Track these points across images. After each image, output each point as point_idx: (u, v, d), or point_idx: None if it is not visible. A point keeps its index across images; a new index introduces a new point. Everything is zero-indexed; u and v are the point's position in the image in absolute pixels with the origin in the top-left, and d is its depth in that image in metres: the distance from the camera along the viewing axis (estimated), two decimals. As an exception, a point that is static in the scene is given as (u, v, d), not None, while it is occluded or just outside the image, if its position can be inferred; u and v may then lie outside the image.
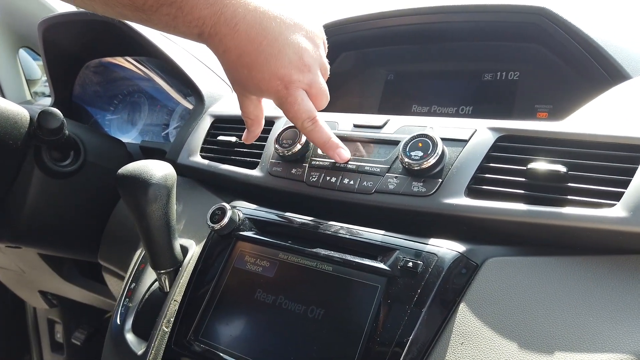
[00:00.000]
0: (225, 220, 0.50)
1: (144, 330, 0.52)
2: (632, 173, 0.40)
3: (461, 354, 0.38)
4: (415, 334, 0.38)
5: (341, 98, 0.76)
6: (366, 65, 0.75)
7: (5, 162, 0.63)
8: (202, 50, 0.79)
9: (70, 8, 0.92)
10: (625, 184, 0.40)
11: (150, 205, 0.49)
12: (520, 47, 0.63)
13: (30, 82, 1.18)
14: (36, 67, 1.19)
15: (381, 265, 0.42)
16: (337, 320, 0.42)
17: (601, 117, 0.46)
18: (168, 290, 0.53)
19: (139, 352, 0.50)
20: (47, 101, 1.03)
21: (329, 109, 0.62)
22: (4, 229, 0.66)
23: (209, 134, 0.67)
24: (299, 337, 0.43)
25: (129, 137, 0.85)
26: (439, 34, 0.68)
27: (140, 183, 0.49)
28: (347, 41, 0.72)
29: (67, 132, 0.63)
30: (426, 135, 0.47)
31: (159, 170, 0.50)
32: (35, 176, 0.64)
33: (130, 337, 0.52)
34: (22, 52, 1.15)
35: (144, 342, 0.51)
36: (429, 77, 0.72)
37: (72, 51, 0.86)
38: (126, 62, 0.84)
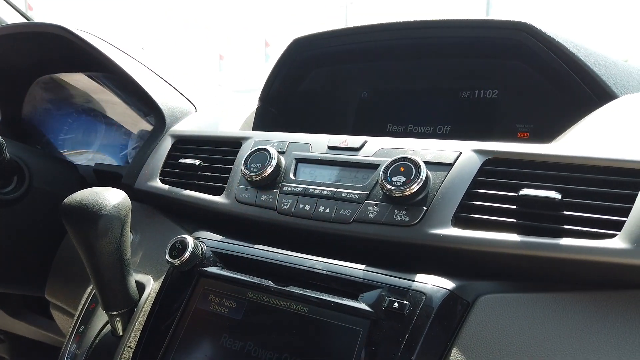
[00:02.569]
0: (187, 254, 0.45)
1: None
2: (632, 200, 0.37)
3: (456, 408, 0.33)
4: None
5: (313, 117, 0.72)
6: (338, 82, 0.71)
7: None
8: (163, 66, 0.74)
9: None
10: (625, 212, 0.37)
11: (100, 240, 0.43)
12: (500, 64, 0.61)
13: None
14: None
15: (363, 306, 0.38)
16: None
17: (594, 139, 0.44)
18: (121, 334, 0.47)
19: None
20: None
21: (299, 129, 0.58)
22: None
23: (169, 156, 0.61)
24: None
25: (83, 160, 0.78)
26: (415, 51, 0.64)
27: (88, 215, 0.43)
28: (318, 57, 0.68)
29: (7, 155, 0.56)
30: (408, 159, 0.43)
31: (110, 199, 0.44)
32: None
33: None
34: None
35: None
36: (405, 95, 0.68)
37: (20, 66, 0.78)
38: (81, 78, 0.78)
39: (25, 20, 0.98)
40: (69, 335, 0.51)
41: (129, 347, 0.45)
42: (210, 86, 0.83)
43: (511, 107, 0.62)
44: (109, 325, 0.49)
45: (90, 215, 0.43)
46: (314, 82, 0.71)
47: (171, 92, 0.70)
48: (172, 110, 0.67)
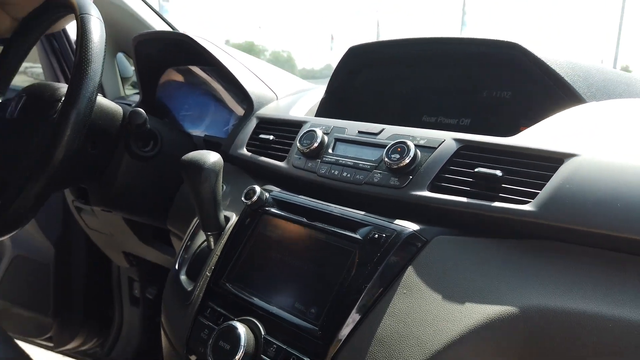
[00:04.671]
0: (255, 198, 0.68)
1: (193, 275, 0.71)
2: (548, 179, 0.53)
3: (403, 300, 0.53)
4: (372, 283, 0.54)
5: (365, 108, 0.92)
6: (385, 81, 0.89)
7: (104, 146, 0.84)
8: (254, 62, 0.98)
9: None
10: (541, 187, 0.53)
11: (202, 185, 0.68)
12: (507, 72, 0.76)
13: (124, 79, 1.43)
14: (129, 67, 1.44)
15: (357, 236, 0.58)
16: (323, 273, 0.58)
17: (540, 132, 0.59)
18: (213, 247, 0.72)
19: (189, 289, 0.69)
20: (136, 98, 1.26)
21: (353, 117, 0.78)
22: (101, 197, 0.88)
23: (254, 132, 0.85)
24: (297, 284, 0.60)
25: (197, 131, 1.05)
26: (442, 58, 0.81)
27: (195, 168, 0.67)
28: (369, 61, 0.87)
29: (149, 126, 0.84)
30: (404, 142, 0.62)
31: (210, 158, 0.68)
32: (125, 158, 0.85)
33: (183, 278, 0.72)
34: (119, 55, 1.39)
35: (192, 283, 0.70)
36: (436, 93, 0.85)
37: (156, 60, 1.07)
38: (197, 70, 1.05)
39: (165, 24, 1.28)
40: (181, 248, 0.78)
41: (216, 255, 0.70)
42: (290, 78, 1.06)
43: (519, 107, 0.77)
44: (205, 242, 0.74)
45: (197, 168, 0.67)
46: (366, 80, 0.90)
47: (259, 83, 0.94)
48: (259, 98, 0.91)
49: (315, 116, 0.87)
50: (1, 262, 1.54)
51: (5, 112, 0.81)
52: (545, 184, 0.52)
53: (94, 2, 1.23)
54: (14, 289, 1.53)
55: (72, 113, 0.67)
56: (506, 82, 0.77)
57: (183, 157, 0.69)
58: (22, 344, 1.53)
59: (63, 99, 0.70)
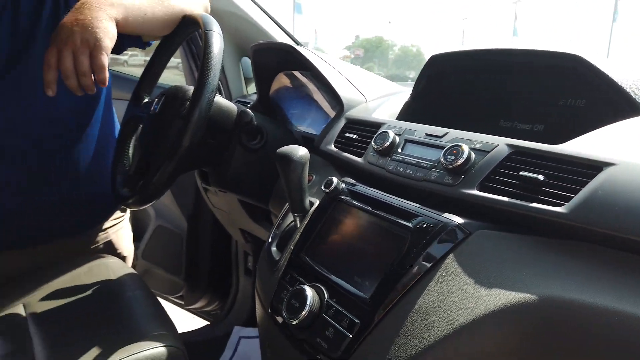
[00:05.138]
0: (332, 187, 0.81)
1: (281, 247, 0.86)
2: (584, 185, 0.57)
3: (440, 281, 0.61)
4: (416, 265, 0.63)
5: (445, 112, 0.99)
6: (465, 87, 0.96)
7: (221, 138, 1.03)
8: (349, 69, 1.10)
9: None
10: (577, 192, 0.58)
11: (291, 174, 0.82)
12: (578, 82, 0.78)
13: (247, 79, 1.64)
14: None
15: (409, 224, 0.68)
16: (378, 254, 0.69)
17: (589, 141, 0.63)
18: (298, 226, 0.86)
19: (277, 259, 0.84)
20: (255, 97, 1.46)
21: (434, 120, 0.86)
22: (218, 179, 1.07)
23: (341, 130, 0.97)
24: (357, 261, 0.71)
25: (299, 127, 1.21)
26: (519, 67, 0.86)
27: (286, 159, 0.81)
28: (450, 69, 0.94)
29: (255, 123, 1.01)
30: (459, 146, 0.70)
31: (298, 152, 0.82)
32: (237, 149, 1.03)
33: (274, 250, 0.87)
34: (244, 59, 1.61)
35: (280, 254, 0.85)
36: (514, 100, 0.90)
37: (270, 66, 1.25)
38: (301, 75, 1.20)
39: (283, 33, 1.46)
40: (274, 225, 0.93)
41: (299, 232, 0.84)
42: (381, 82, 1.17)
43: (591, 115, 0.79)
44: (293, 222, 0.88)
45: (287, 160, 0.81)
46: (447, 86, 0.97)
47: (350, 88, 1.06)
48: (349, 101, 1.03)
49: (397, 118, 0.97)
50: (147, 230, 1.87)
51: (150, 109, 1.04)
52: (581, 189, 0.57)
53: (223, 13, 1.45)
54: (154, 252, 1.85)
55: (196, 111, 0.86)
56: (579, 92, 0.80)
57: (277, 151, 0.83)
58: (159, 299, 1.85)
59: (190, 99, 0.89)
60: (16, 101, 0.96)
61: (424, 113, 0.98)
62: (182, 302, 1.89)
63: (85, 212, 1.15)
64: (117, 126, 1.21)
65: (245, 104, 1.41)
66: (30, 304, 1.03)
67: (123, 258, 1.28)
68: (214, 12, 1.40)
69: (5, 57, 0.93)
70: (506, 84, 0.90)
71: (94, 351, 0.86)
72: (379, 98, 1.07)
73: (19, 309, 1.02)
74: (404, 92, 1.08)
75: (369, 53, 53.25)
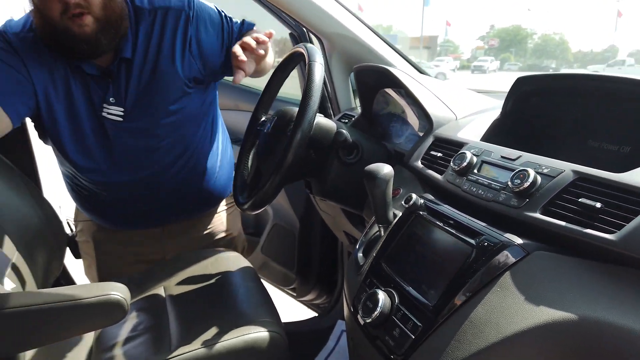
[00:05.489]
0: (411, 202, 0.90)
1: (366, 254, 0.97)
2: (636, 214, 0.60)
3: (495, 295, 0.68)
4: (476, 279, 0.70)
5: (533, 131, 1.01)
6: (554, 108, 0.97)
7: (321, 153, 1.17)
8: (441, 87, 1.17)
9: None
10: (629, 221, 0.60)
11: (375, 189, 0.92)
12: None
13: (355, 92, 1.76)
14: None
15: (473, 241, 0.75)
16: (445, 266, 0.77)
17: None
18: (383, 235, 0.96)
19: (361, 264, 0.95)
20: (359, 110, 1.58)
21: (522, 139, 0.91)
22: (318, 189, 1.21)
23: (429, 148, 1.05)
24: (426, 271, 0.80)
25: (394, 141, 1.30)
26: (608, 92, 0.86)
27: (372, 176, 0.92)
28: (538, 90, 0.97)
29: (350, 140, 1.13)
30: (525, 170, 0.75)
31: (382, 170, 0.92)
32: (335, 163, 1.16)
33: (360, 256, 0.98)
34: (352, 75, 1.73)
35: (364, 259, 0.96)
36: (602, 121, 0.90)
37: (370, 84, 1.36)
38: (396, 93, 1.29)
39: (391, 50, 1.56)
40: (363, 233, 1.04)
41: (381, 241, 0.94)
42: (474, 98, 1.21)
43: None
44: (378, 231, 0.99)
45: (372, 177, 0.92)
46: (535, 106, 1.00)
47: (440, 105, 1.12)
48: (438, 119, 1.10)
49: (484, 136, 1.02)
50: (266, 227, 2.09)
51: (265, 127, 1.21)
52: (634, 219, 0.60)
53: (334, 35, 1.59)
54: (271, 248, 2.06)
55: (298, 131, 1.01)
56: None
57: (365, 168, 0.95)
58: (274, 289, 2.06)
59: (294, 121, 1.04)
60: (179, 130, 1.28)
61: (511, 131, 1.02)
62: (295, 294, 2.09)
63: (205, 198, 1.44)
64: (224, 130, 1.51)
65: (350, 117, 1.53)
66: (168, 287, 1.27)
67: (232, 238, 1.56)
68: (326, 35, 1.55)
69: (174, 99, 1.24)
70: (594, 106, 0.91)
71: (212, 330, 1.05)
72: (469, 115, 1.13)
73: (160, 290, 1.27)
74: (495, 109, 1.12)
75: (505, 43, 50.37)
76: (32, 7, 1.09)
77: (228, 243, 1.53)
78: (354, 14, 1.57)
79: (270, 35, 1.14)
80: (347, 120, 1.52)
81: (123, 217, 1.37)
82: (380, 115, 1.41)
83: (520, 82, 0.98)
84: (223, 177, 1.44)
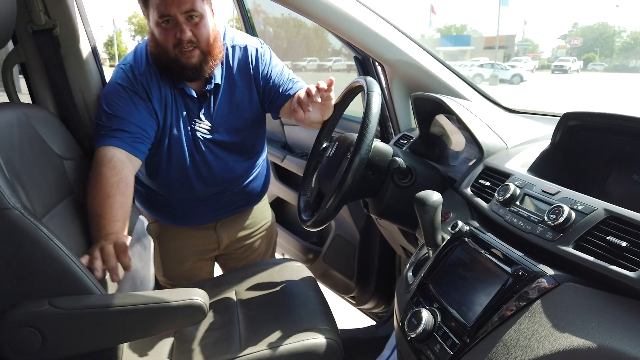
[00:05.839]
0: (457, 229, 0.98)
1: (415, 273, 1.06)
2: (657, 255, 0.66)
3: (526, 321, 0.75)
4: (510, 305, 0.78)
5: (580, 164, 1.06)
6: (600, 142, 1.02)
7: (378, 175, 1.27)
8: (492, 116, 1.23)
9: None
10: (650, 261, 0.66)
11: (425, 215, 1.02)
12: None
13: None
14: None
15: (510, 270, 0.82)
16: (483, 290, 0.85)
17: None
18: (431, 256, 1.05)
19: (410, 282, 1.05)
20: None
21: (568, 170, 0.98)
22: (375, 208, 1.32)
23: (478, 176, 1.13)
24: (467, 293, 0.88)
25: (447, 166, 1.38)
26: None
27: (421, 203, 1.01)
28: (585, 125, 1.02)
29: (405, 165, 1.22)
30: (560, 207, 0.81)
31: (431, 197, 1.01)
32: (390, 186, 1.26)
33: (410, 275, 1.08)
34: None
35: (413, 278, 1.05)
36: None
37: (427, 110, 1.44)
38: (449, 121, 1.37)
39: (453, 75, 1.64)
40: (413, 254, 1.13)
41: (429, 263, 1.03)
42: (527, 127, 1.26)
43: None
44: (427, 253, 1.08)
45: (421, 203, 1.01)
46: (582, 139, 1.04)
47: (491, 134, 1.19)
48: (488, 147, 1.17)
49: (532, 166, 1.08)
50: (328, 238, 2.22)
51: (327, 152, 1.34)
52: (654, 259, 0.66)
53: (396, 62, 1.69)
54: (333, 257, 2.19)
55: (357, 157, 1.12)
56: None
57: (415, 195, 1.04)
58: (334, 296, 2.18)
59: (353, 146, 1.16)
60: (248, 144, 1.56)
61: (559, 163, 1.07)
62: (354, 302, 2.19)
63: (256, 197, 1.72)
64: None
65: (409, 137, 1.62)
66: (239, 292, 1.43)
67: (269, 225, 1.82)
68: (388, 62, 1.65)
69: (247, 118, 1.48)
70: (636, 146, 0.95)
71: (276, 334, 1.19)
72: (520, 145, 1.19)
73: (231, 294, 1.43)
74: (546, 139, 1.17)
75: (589, 42, 47.56)
76: (151, 38, 1.35)
77: (267, 230, 1.80)
78: (414, 41, 1.66)
79: (331, 83, 1.28)
80: (405, 141, 1.61)
81: (188, 216, 1.59)
82: (436, 138, 1.49)
83: (567, 117, 1.03)
84: (267, 177, 1.74)
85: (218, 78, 1.42)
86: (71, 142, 1.32)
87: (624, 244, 0.71)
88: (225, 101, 1.45)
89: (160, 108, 1.38)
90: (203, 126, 1.44)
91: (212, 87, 1.41)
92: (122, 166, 1.24)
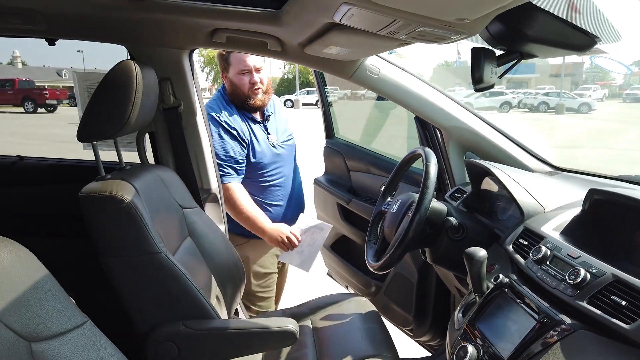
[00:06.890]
0: (497, 281, 1.22)
1: (465, 313, 1.30)
2: (647, 314, 0.88)
3: (549, 358, 0.98)
4: (537, 345, 1.01)
5: (607, 229, 1.27)
6: (624, 216, 1.23)
7: (435, 230, 1.52)
8: (527, 179, 1.46)
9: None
10: (641, 317, 0.88)
11: (472, 267, 1.26)
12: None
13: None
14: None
15: (537, 317, 1.05)
16: (517, 330, 1.08)
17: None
18: (477, 302, 1.29)
19: (460, 322, 1.29)
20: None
21: (594, 235, 1.21)
22: (431, 257, 1.57)
23: (519, 236, 1.36)
24: (504, 332, 1.11)
25: (500, 217, 1.61)
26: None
27: (469, 258, 1.26)
28: (611, 201, 1.23)
29: (457, 223, 1.47)
30: (578, 270, 1.04)
31: (478, 253, 1.25)
32: (445, 239, 1.51)
33: (460, 316, 1.31)
34: (467, 153, 2.06)
35: (463, 319, 1.29)
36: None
37: (478, 173, 1.69)
38: (492, 183, 1.61)
39: (499, 134, 1.88)
40: (463, 298, 1.37)
41: (477, 306, 1.26)
42: (565, 191, 1.48)
43: None
44: (474, 298, 1.31)
45: (470, 257, 1.25)
46: (607, 211, 1.26)
47: (530, 199, 1.42)
48: (528, 210, 1.40)
49: (564, 230, 1.30)
50: (389, 274, 2.47)
51: (391, 207, 1.61)
52: (645, 316, 0.88)
53: (452, 128, 1.94)
54: (393, 292, 2.43)
55: (417, 216, 1.39)
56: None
57: (465, 250, 1.29)
58: (394, 328, 2.41)
59: (414, 207, 1.43)
60: (292, 157, 2.36)
61: (588, 228, 1.29)
62: (412, 334, 2.42)
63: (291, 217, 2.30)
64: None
65: (463, 192, 1.86)
66: (314, 321, 1.71)
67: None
68: (444, 127, 1.92)
69: (288, 137, 2.31)
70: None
71: (347, 358, 1.46)
72: (557, 209, 1.41)
73: (307, 323, 1.72)
74: (581, 204, 1.38)
75: (667, 69, 45.08)
76: (230, 84, 2.12)
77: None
78: (467, 109, 1.92)
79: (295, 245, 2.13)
80: (460, 194, 1.85)
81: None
82: (487, 194, 1.73)
83: (592, 192, 1.25)
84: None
85: (270, 109, 2.25)
86: (187, 194, 1.68)
87: (623, 302, 0.93)
88: (275, 123, 2.25)
89: (244, 135, 2.10)
90: (273, 140, 2.20)
91: (269, 114, 2.20)
92: (243, 190, 2.07)
